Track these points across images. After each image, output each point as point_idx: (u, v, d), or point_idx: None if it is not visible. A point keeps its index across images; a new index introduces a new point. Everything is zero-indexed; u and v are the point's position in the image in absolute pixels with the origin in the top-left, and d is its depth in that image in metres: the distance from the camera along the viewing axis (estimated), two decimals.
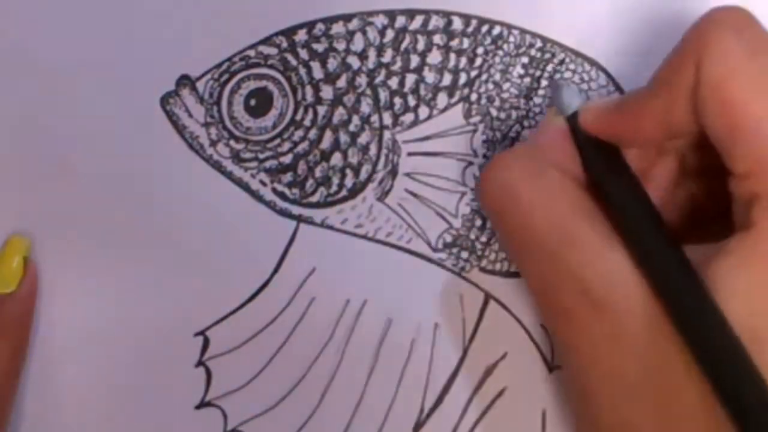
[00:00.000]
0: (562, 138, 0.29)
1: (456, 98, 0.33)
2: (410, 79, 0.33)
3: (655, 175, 0.29)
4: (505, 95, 0.33)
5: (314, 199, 0.33)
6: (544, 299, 0.28)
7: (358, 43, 0.33)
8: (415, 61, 0.33)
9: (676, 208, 0.29)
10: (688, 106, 0.26)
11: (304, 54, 0.33)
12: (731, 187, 0.26)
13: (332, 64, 0.33)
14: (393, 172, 0.33)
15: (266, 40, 0.33)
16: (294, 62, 0.33)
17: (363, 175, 0.33)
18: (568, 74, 0.33)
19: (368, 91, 0.33)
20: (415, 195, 0.33)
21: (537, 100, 0.33)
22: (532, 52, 0.33)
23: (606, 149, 0.29)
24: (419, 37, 0.33)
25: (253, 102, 0.33)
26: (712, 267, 0.25)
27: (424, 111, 0.33)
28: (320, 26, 0.33)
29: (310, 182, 0.33)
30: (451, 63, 0.33)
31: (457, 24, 0.33)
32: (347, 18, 0.33)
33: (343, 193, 0.33)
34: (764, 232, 0.25)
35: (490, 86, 0.33)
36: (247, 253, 0.33)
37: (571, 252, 0.27)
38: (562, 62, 0.33)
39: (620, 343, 0.26)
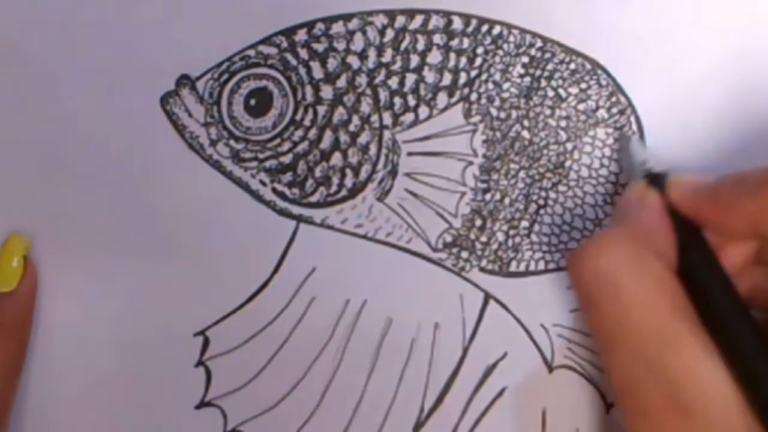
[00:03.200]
0: (661, 220, 0.28)
1: (456, 98, 0.33)
2: (410, 78, 0.33)
3: (728, 253, 0.28)
4: (505, 95, 0.33)
5: (314, 199, 0.33)
6: (628, 396, 0.27)
7: (357, 43, 0.33)
8: (414, 60, 0.33)
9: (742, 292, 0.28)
10: None
11: (304, 54, 0.33)
12: None
13: (332, 63, 0.33)
14: (393, 172, 0.33)
15: (266, 40, 0.33)
16: (294, 62, 0.33)
17: (363, 175, 0.33)
18: (574, 78, 0.33)
19: (368, 91, 0.33)
20: (415, 195, 0.33)
21: (537, 99, 0.33)
22: (532, 51, 0.33)
23: (695, 231, 0.28)
24: (419, 36, 0.33)
25: (253, 102, 0.33)
26: None
27: (424, 111, 0.33)
28: (320, 26, 0.33)
29: (310, 182, 0.33)
30: (451, 63, 0.33)
31: (457, 24, 0.33)
32: (347, 18, 0.33)
33: (343, 193, 0.33)
34: None
35: (490, 86, 0.33)
36: (247, 253, 0.33)
37: (666, 355, 0.26)
38: (562, 62, 0.33)
39: None
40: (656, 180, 0.29)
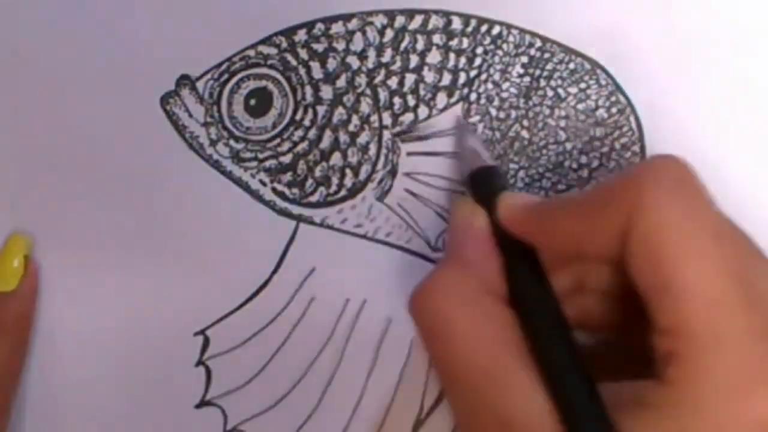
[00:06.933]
0: (487, 251, 0.28)
1: (455, 98, 0.33)
2: (409, 78, 0.33)
3: (558, 275, 0.28)
4: (504, 95, 0.33)
5: (314, 198, 0.33)
6: (467, 429, 0.27)
7: (357, 43, 0.33)
8: (414, 60, 0.33)
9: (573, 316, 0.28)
10: (611, 244, 0.26)
11: (303, 54, 0.33)
12: (651, 336, 0.25)
13: (332, 64, 0.33)
14: (392, 172, 0.33)
15: (266, 40, 0.33)
16: (294, 62, 0.33)
17: (362, 174, 0.33)
18: (556, 79, 0.33)
19: (368, 91, 0.33)
20: (414, 195, 0.33)
21: (536, 99, 0.33)
22: (532, 51, 0.33)
23: (524, 252, 0.28)
24: (419, 36, 0.33)
25: (252, 102, 0.33)
26: (626, 417, 0.24)
27: (423, 111, 0.33)
28: (320, 26, 0.33)
29: (309, 182, 0.33)
30: (451, 63, 0.33)
31: (457, 24, 0.33)
32: (347, 18, 0.33)
33: (343, 192, 0.33)
34: (679, 393, 0.24)
35: (490, 86, 0.33)
36: (247, 253, 0.33)
37: (495, 393, 0.26)
38: (561, 62, 0.33)
39: None
40: (486, 194, 0.29)
